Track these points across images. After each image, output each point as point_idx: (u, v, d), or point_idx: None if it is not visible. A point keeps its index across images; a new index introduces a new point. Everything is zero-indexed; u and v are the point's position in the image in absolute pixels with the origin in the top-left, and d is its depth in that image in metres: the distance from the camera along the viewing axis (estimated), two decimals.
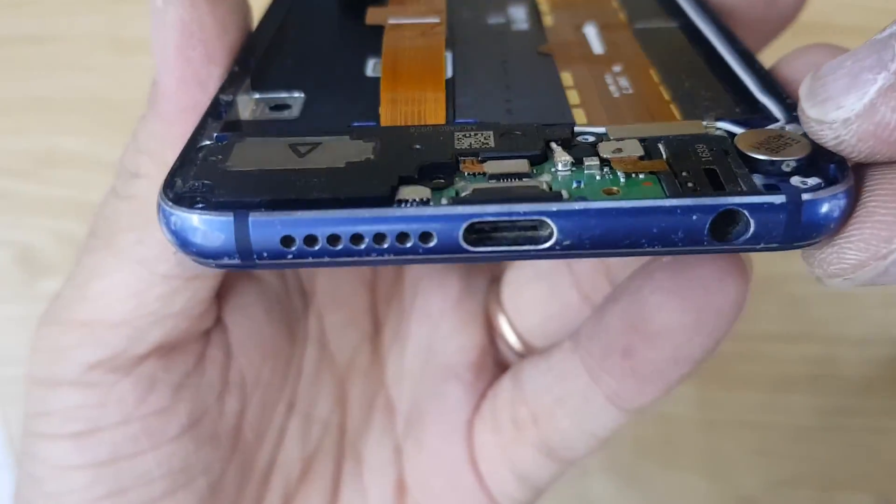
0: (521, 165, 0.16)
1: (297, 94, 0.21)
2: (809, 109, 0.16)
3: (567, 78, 0.21)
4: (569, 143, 0.17)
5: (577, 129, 0.18)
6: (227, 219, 0.15)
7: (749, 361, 0.45)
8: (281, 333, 0.25)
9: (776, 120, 0.18)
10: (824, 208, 0.16)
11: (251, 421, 0.24)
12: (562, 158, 0.16)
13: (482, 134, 0.17)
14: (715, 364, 0.45)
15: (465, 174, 0.16)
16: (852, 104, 0.15)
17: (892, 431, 0.44)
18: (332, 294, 0.27)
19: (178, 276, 0.21)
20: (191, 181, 0.16)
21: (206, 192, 0.16)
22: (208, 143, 0.18)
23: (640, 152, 0.16)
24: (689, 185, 0.15)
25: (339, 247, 0.15)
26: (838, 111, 0.15)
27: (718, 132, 0.17)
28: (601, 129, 0.18)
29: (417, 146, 0.17)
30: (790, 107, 0.18)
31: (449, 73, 0.21)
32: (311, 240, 0.15)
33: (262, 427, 0.25)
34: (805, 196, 0.15)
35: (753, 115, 0.18)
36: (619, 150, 0.16)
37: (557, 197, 0.15)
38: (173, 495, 0.22)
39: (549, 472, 0.25)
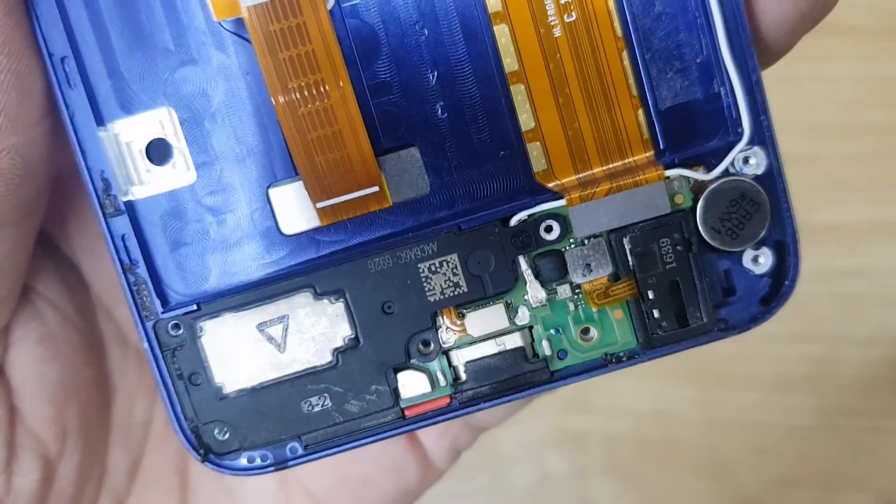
0: (500, 316, 0.18)
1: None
2: None
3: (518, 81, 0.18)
4: (533, 251, 0.18)
5: (537, 209, 0.18)
6: (270, 466, 0.18)
7: (749, 361, 0.45)
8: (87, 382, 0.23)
9: (738, 137, 0.18)
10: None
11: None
12: (534, 292, 0.18)
13: (447, 264, 0.18)
14: (715, 364, 0.45)
15: (452, 341, 0.18)
16: None
17: (892, 432, 0.44)
18: None
19: None
20: (213, 430, 0.18)
21: (240, 441, 0.18)
22: (175, 336, 0.18)
23: (609, 268, 0.18)
24: (658, 330, 0.18)
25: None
26: None
27: (678, 190, 0.18)
28: (562, 207, 0.18)
29: (389, 307, 0.18)
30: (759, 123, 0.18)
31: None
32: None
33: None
34: (750, 324, 0.20)
35: (714, 142, 0.18)
36: (588, 266, 0.18)
37: (544, 374, 0.18)
38: None
39: None
